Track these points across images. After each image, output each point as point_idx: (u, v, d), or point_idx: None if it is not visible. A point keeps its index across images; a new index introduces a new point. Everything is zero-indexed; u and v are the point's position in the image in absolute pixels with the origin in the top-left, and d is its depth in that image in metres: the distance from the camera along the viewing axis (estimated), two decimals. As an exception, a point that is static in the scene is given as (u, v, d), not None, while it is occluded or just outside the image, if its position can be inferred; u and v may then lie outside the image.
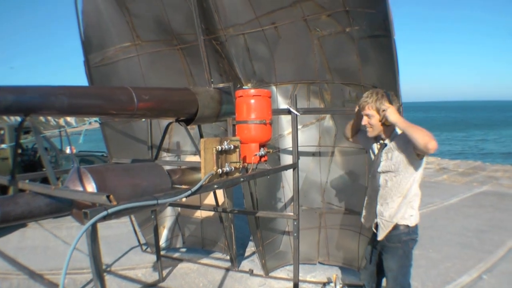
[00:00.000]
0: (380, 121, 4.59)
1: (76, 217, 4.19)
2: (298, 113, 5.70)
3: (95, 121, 8.07)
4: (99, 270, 2.98)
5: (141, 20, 7.55)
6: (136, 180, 4.44)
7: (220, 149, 4.21)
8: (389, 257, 4.69)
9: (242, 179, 4.57)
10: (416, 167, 4.47)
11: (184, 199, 8.28)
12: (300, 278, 6.80)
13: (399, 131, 4.62)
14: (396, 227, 4.58)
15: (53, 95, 3.77)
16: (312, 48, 6.63)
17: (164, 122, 8.24)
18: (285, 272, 7.83)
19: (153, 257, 8.41)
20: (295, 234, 5.81)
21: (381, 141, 4.78)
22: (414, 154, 4.36)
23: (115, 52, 7.81)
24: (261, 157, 4.84)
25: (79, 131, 16.18)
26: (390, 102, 4.52)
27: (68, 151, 13.47)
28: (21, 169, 11.96)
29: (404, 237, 4.57)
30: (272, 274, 7.72)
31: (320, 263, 7.72)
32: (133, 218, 8.85)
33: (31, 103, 3.65)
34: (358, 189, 7.09)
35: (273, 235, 8.01)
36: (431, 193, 14.49)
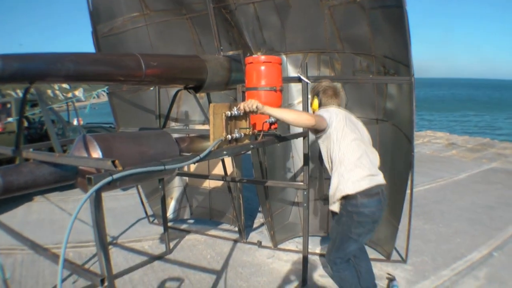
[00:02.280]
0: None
1: (81, 186, 4.13)
2: (308, 81, 5.62)
3: (103, 91, 8.01)
4: (103, 240, 2.89)
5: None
6: (144, 148, 4.38)
7: (229, 115, 4.14)
8: (334, 221, 5.00)
9: (251, 146, 4.49)
10: (332, 137, 4.78)
11: (192, 168, 8.22)
12: (310, 250, 6.76)
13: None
14: (338, 198, 4.77)
15: (59, 62, 3.71)
16: (323, 18, 6.54)
17: (173, 91, 8.18)
18: (294, 244, 7.78)
19: (160, 229, 8.38)
20: (305, 204, 5.74)
21: None
22: (318, 134, 4.90)
23: (124, 22, 7.71)
24: (271, 124, 4.77)
25: (85, 105, 16.18)
26: (317, 94, 5.19)
27: (75, 122, 13.44)
28: (27, 142, 11.94)
29: (349, 208, 4.67)
30: (281, 246, 7.67)
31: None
32: (140, 190, 8.80)
33: (36, 70, 3.60)
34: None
35: (282, 206, 7.98)
36: (440, 168, 14.43)
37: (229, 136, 4.15)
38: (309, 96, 5.31)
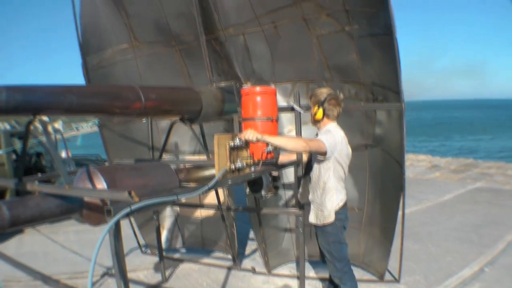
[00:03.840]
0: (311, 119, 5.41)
1: (86, 219, 4.16)
2: (301, 111, 5.73)
3: (94, 123, 8.07)
4: (123, 270, 2.95)
5: (139, 21, 7.55)
6: (145, 179, 4.43)
7: (233, 145, 4.24)
8: (320, 235, 5.40)
9: (253, 175, 4.60)
10: (325, 165, 5.17)
11: (184, 199, 8.32)
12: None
13: (321, 132, 5.28)
14: (322, 211, 5.25)
15: (62, 95, 3.74)
16: (311, 47, 6.67)
17: (163, 123, 8.26)
18: (287, 269, 7.85)
19: (154, 259, 8.43)
20: (300, 230, 5.83)
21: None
22: (316, 154, 5.14)
23: (113, 54, 7.80)
24: (268, 153, 4.87)
25: (67, 137, 16.14)
26: (322, 104, 5.19)
27: (63, 154, 13.44)
28: (16, 175, 11.88)
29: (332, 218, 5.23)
30: (275, 271, 7.73)
31: (322, 260, 7.74)
32: (132, 220, 8.81)
33: (39, 102, 3.61)
34: (358, 185, 7.16)
35: (275, 233, 8.03)
36: (425, 190, 14.59)
37: (232, 166, 4.26)
38: (311, 106, 5.32)
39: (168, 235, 9.28)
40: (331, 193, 5.20)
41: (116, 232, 2.84)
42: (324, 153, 4.96)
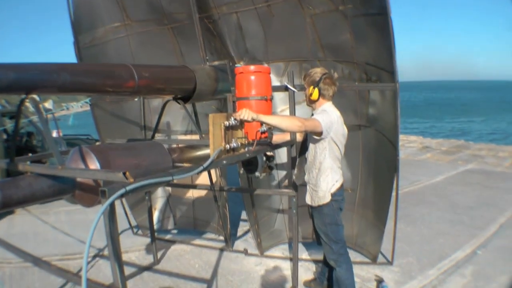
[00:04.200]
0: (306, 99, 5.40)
1: (79, 199, 4.12)
2: (295, 90, 5.68)
3: (85, 102, 7.99)
4: (118, 252, 2.90)
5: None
6: (138, 159, 4.40)
7: (228, 125, 4.19)
8: (316, 216, 5.40)
9: (247, 155, 4.55)
10: (320, 144, 5.15)
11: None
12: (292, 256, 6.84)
13: (317, 111, 5.23)
14: (317, 192, 5.26)
15: (55, 72, 3.67)
16: (305, 26, 6.61)
17: (155, 102, 8.19)
18: (280, 250, 7.83)
19: (145, 240, 8.40)
20: (294, 211, 5.78)
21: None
22: (312, 134, 5.12)
23: (105, 33, 7.71)
24: (262, 133, 4.82)
25: (58, 117, 16.03)
26: (317, 84, 5.14)
27: (54, 134, 13.34)
28: (7, 155, 11.79)
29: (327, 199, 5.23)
30: (267, 253, 7.72)
31: (315, 240, 7.71)
32: (123, 200, 8.75)
33: (33, 80, 3.54)
34: (352, 166, 7.12)
35: (267, 214, 8.02)
36: (416, 171, 14.59)
37: (227, 146, 4.20)
38: (305, 86, 5.30)
39: (160, 216, 9.23)
40: (326, 173, 5.19)
41: (111, 214, 2.78)
42: (320, 133, 4.93)
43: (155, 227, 8.62)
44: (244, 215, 9.34)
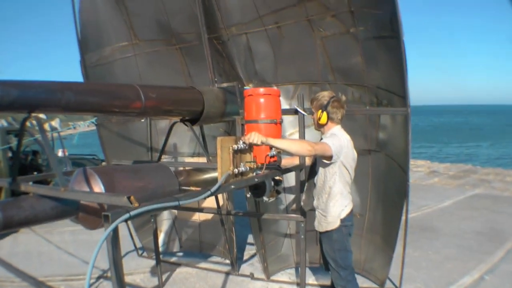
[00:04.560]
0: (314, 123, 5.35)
1: (82, 222, 4.03)
2: (305, 114, 5.60)
3: (92, 122, 7.94)
4: (121, 278, 2.80)
5: (139, 19, 7.43)
6: (144, 182, 4.31)
7: (236, 148, 4.11)
8: (325, 241, 5.28)
9: (256, 180, 4.46)
10: (330, 169, 5.07)
11: (184, 203, 8.21)
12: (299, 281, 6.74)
13: (326, 135, 5.16)
14: (326, 217, 5.16)
15: (59, 91, 3.60)
16: (315, 49, 6.55)
17: (162, 123, 8.13)
18: (286, 275, 7.73)
19: (150, 262, 8.33)
20: (302, 236, 5.69)
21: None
22: (321, 158, 5.01)
23: (112, 52, 7.69)
24: (271, 157, 4.74)
25: (64, 136, 16.01)
26: (325, 108, 5.08)
27: (60, 153, 13.30)
28: (11, 173, 11.74)
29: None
30: (273, 277, 7.61)
31: (322, 265, 7.62)
32: (129, 222, 8.66)
33: (36, 99, 3.48)
34: (361, 191, 7.03)
35: (274, 238, 7.89)
36: (424, 196, 14.42)
37: (235, 170, 4.12)
38: (313, 110, 5.24)
39: (165, 238, 9.13)
40: (336, 198, 5.10)
41: (114, 239, 2.68)
42: (329, 157, 4.86)
43: (161, 249, 8.53)
44: (250, 239, 9.25)
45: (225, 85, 6.05)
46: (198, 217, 8.81)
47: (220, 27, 6.79)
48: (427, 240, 9.56)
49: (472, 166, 22.59)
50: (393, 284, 6.99)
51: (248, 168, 4.33)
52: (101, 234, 2.58)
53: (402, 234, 6.45)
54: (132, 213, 2.71)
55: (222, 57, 7.21)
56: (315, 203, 5.39)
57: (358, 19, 5.94)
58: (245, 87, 6.89)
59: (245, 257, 8.82)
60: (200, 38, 6.39)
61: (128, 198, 2.87)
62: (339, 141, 4.92)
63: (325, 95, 5.15)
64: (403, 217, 6.31)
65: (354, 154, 5.18)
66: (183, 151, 8.60)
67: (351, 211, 5.24)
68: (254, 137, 4.26)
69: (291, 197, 7.61)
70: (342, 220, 5.09)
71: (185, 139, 8.40)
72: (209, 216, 8.48)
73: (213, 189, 3.58)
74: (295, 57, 6.88)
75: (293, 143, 4.72)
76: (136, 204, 2.84)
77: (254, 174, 4.53)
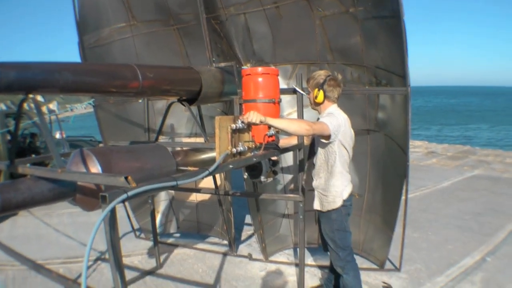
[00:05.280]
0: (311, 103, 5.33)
1: (80, 203, 4.00)
2: (304, 93, 5.56)
3: (89, 103, 7.90)
4: (119, 260, 2.77)
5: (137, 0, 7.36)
6: (142, 162, 4.29)
7: (235, 128, 4.07)
8: (324, 222, 5.29)
9: (254, 159, 4.42)
10: (329, 148, 5.07)
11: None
12: (297, 261, 6.73)
13: (323, 115, 5.15)
14: (327, 197, 5.16)
15: (57, 72, 3.56)
16: (314, 29, 6.51)
17: (159, 104, 8.10)
18: (285, 256, 7.73)
19: (147, 243, 8.33)
20: (301, 217, 5.66)
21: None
22: (320, 137, 5.03)
23: (110, 33, 7.63)
24: (269, 137, 4.71)
25: (62, 118, 15.97)
26: (322, 86, 5.06)
27: (58, 135, 13.28)
28: (9, 156, 11.68)
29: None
30: (272, 258, 7.61)
31: (321, 246, 7.58)
32: (126, 203, 8.63)
33: (34, 80, 3.43)
34: (360, 171, 7.01)
35: (272, 218, 7.89)
36: (422, 177, 14.40)
37: (234, 149, 4.09)
38: (309, 90, 5.23)
39: (163, 219, 9.12)
40: (336, 177, 5.11)
41: (112, 220, 2.64)
42: (328, 136, 4.86)
43: (158, 230, 8.51)
44: (248, 219, 9.29)
45: (223, 64, 6.01)
46: (195, 197, 8.79)
47: (218, 6, 6.73)
48: (427, 221, 9.53)
49: (471, 147, 22.49)
50: (393, 265, 6.99)
51: (246, 147, 4.30)
52: (96, 216, 2.55)
53: (402, 215, 6.45)
54: (130, 193, 2.67)
55: (220, 37, 7.16)
56: (314, 183, 5.37)
57: (358, -1, 5.90)
58: (243, 67, 6.86)
59: (242, 238, 8.84)
60: (198, 18, 6.34)
61: (126, 178, 2.83)
62: (336, 120, 4.91)
63: (321, 74, 5.14)
64: (403, 197, 6.29)
65: (351, 132, 5.18)
66: (180, 131, 8.56)
67: (351, 191, 5.23)
68: (253, 116, 4.24)
69: (289, 177, 7.61)
70: (344, 200, 5.10)
71: (183, 119, 8.36)
72: (206, 196, 8.49)
73: (211, 168, 3.55)
74: (294, 37, 6.84)
75: (291, 122, 4.68)
76: (134, 185, 2.81)
77: (253, 153, 4.50)
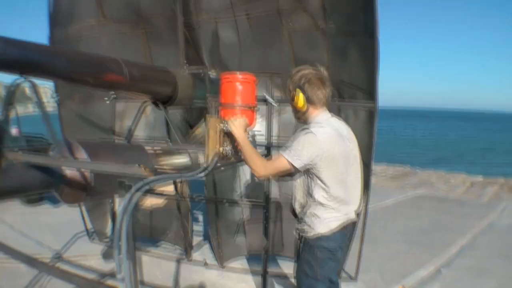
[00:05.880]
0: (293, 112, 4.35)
1: (63, 196, 3.92)
2: (275, 104, 5.63)
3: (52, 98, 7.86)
4: (133, 249, 2.78)
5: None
6: (125, 158, 4.31)
7: (225, 129, 4.05)
8: (299, 261, 4.31)
9: (238, 164, 4.46)
10: (310, 173, 3.98)
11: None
12: (253, 269, 7.06)
13: (311, 126, 4.02)
14: (306, 231, 4.12)
15: (55, 56, 3.54)
16: (281, 40, 6.63)
17: (119, 107, 8.06)
18: (239, 264, 7.81)
19: (103, 247, 8.30)
20: (265, 223, 5.74)
21: None
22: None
23: (78, 30, 7.59)
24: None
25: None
26: (301, 87, 4.02)
27: (14, 132, 13.06)
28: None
29: (311, 242, 4.06)
30: (226, 265, 7.70)
31: (275, 255, 7.65)
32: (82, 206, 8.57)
33: (31, 59, 3.32)
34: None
35: (229, 225, 7.94)
36: (363, 194, 14.37)
37: (221, 149, 4.10)
38: (289, 95, 4.26)
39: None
40: (318, 209, 4.02)
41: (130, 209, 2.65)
42: (294, 168, 3.88)
43: (110, 234, 8.49)
44: (196, 226, 9.34)
45: (194, 69, 6.07)
46: (150, 202, 8.76)
47: (191, 11, 6.81)
48: (373, 237, 9.31)
49: (411, 168, 22.52)
50: (348, 274, 7.12)
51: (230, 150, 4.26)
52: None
53: (360, 225, 6.62)
54: (150, 182, 2.69)
55: (188, 43, 7.22)
56: (296, 208, 4.33)
57: (329, 15, 6.07)
58: (208, 73, 6.93)
59: (194, 244, 8.71)
60: (167, 23, 6.43)
61: (140, 167, 2.84)
62: (309, 144, 3.83)
63: (300, 69, 4.14)
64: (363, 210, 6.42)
65: (344, 147, 4.04)
66: (137, 133, 8.54)
67: (342, 226, 4.04)
68: (237, 124, 3.98)
69: (244, 186, 7.68)
70: (324, 238, 4.00)
71: (140, 123, 8.36)
72: (159, 201, 8.45)
73: (210, 167, 3.61)
74: (260, 47, 6.97)
75: (252, 156, 3.95)
76: (150, 174, 2.81)
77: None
